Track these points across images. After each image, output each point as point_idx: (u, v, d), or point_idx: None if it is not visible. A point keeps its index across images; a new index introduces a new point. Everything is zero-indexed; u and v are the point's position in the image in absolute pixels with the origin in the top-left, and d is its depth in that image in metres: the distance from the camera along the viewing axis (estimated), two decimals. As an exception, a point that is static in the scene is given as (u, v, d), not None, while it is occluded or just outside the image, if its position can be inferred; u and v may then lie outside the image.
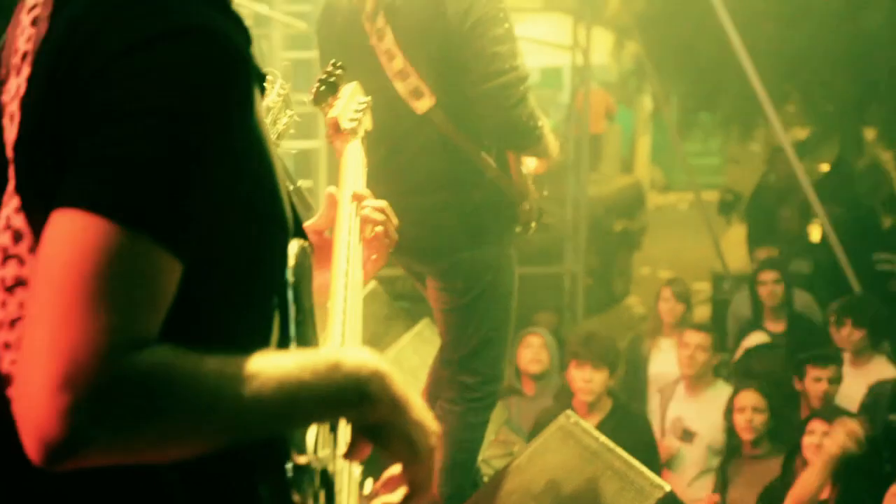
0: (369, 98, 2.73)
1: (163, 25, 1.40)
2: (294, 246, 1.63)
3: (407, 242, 4.21)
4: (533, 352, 6.78)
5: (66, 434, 1.27)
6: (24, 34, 1.51)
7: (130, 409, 1.30)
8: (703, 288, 11.35)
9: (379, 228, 2.29)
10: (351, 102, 2.60)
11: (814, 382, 6.07)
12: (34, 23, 1.50)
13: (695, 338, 6.67)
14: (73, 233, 1.33)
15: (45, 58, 1.44)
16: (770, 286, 7.72)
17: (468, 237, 4.06)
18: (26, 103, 1.45)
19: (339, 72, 2.61)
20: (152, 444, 1.34)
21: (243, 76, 1.45)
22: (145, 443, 1.33)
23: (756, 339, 7.40)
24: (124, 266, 1.33)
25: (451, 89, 3.92)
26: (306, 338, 1.65)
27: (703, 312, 10.64)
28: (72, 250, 1.32)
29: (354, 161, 2.43)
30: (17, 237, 1.46)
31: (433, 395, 4.36)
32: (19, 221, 1.45)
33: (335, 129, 2.52)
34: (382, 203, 2.32)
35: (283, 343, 1.61)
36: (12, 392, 1.34)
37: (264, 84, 1.57)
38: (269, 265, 1.60)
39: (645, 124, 17.89)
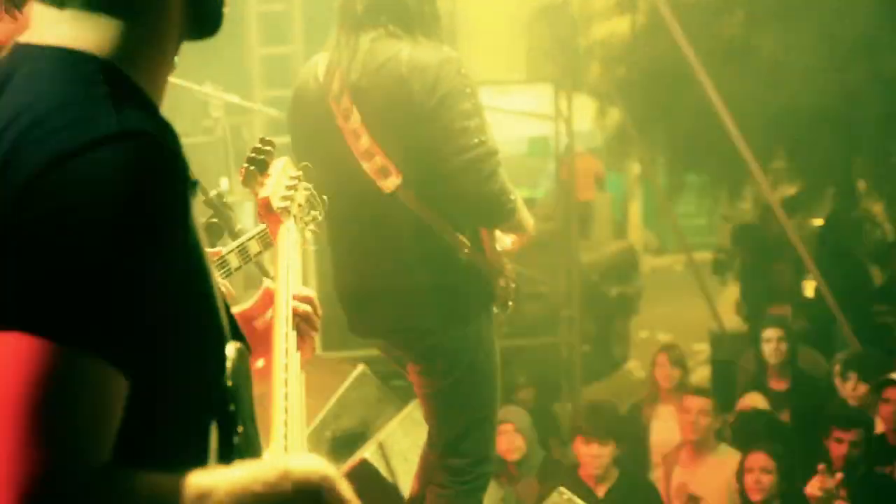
0: (300, 173, 2.64)
1: (87, 135, 1.37)
2: (231, 349, 1.58)
3: (383, 326, 4.20)
4: (507, 440, 6.62)
5: None
6: None
7: None
8: (703, 349, 11.28)
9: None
10: (282, 179, 2.50)
11: (835, 443, 6.06)
12: None
13: (696, 403, 6.64)
14: (13, 357, 1.29)
15: None
16: (774, 343, 7.65)
17: (444, 318, 4.02)
18: None
19: (268, 148, 2.52)
20: None
21: (175, 178, 1.43)
22: None
23: (751, 399, 7.34)
24: (70, 387, 1.30)
25: (420, 167, 3.90)
26: (250, 443, 1.61)
27: (703, 373, 10.57)
28: (15, 374, 1.29)
29: (289, 243, 2.34)
30: None
31: (424, 479, 4.29)
32: None
33: (267, 209, 2.43)
34: (309, 292, 2.24)
35: (226, 453, 1.56)
36: None
37: (196, 187, 1.54)
38: (206, 376, 1.56)
39: (634, 188, 17.92)
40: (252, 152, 2.54)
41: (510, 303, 4.14)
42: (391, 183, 3.90)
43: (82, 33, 1.49)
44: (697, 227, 16.13)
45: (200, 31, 1.64)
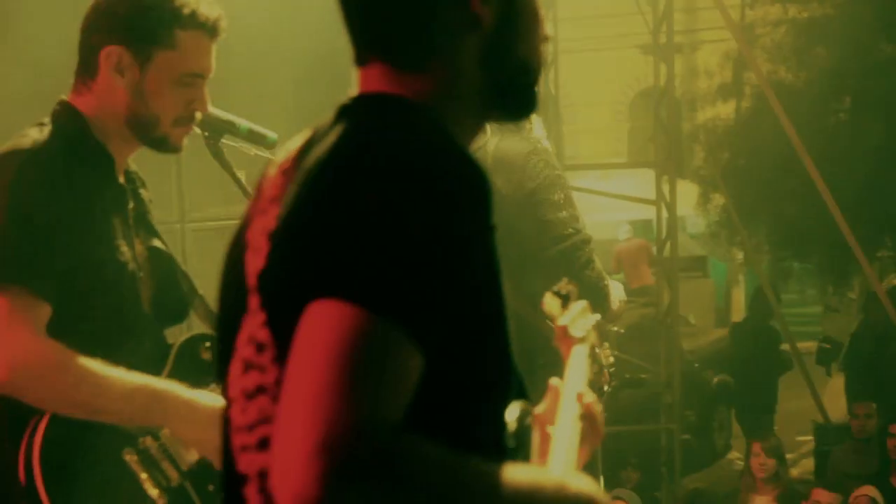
0: (598, 317, 2.87)
1: (420, 140, 1.63)
2: (516, 409, 1.73)
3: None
4: None
5: (322, 495, 1.39)
6: (271, 183, 1.75)
7: (381, 480, 1.42)
8: (807, 440, 11.05)
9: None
10: (580, 317, 2.81)
11: None
12: (283, 173, 1.74)
13: (826, 497, 6.50)
14: (332, 319, 1.48)
15: (295, 191, 1.64)
16: (900, 438, 7.48)
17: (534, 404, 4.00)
18: (275, 234, 1.65)
19: (570, 288, 2.82)
20: None
21: (488, 200, 1.62)
22: None
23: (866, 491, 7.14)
24: (378, 352, 1.47)
25: (506, 256, 3.90)
26: None
27: (807, 465, 10.35)
28: (331, 334, 1.47)
29: (579, 362, 2.64)
30: (260, 348, 1.65)
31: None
32: (263, 335, 1.64)
33: (563, 334, 2.70)
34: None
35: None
36: (272, 460, 1.47)
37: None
38: (493, 384, 1.71)
39: (738, 275, 17.73)
40: (556, 288, 2.84)
41: (605, 388, 4.11)
42: None
43: (392, 84, 1.74)
44: (801, 316, 15.89)
45: (506, 106, 1.86)
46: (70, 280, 2.69)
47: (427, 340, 1.52)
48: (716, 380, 11.58)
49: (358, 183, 1.57)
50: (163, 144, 2.94)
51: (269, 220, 1.69)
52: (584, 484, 1.64)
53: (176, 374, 2.86)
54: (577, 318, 2.82)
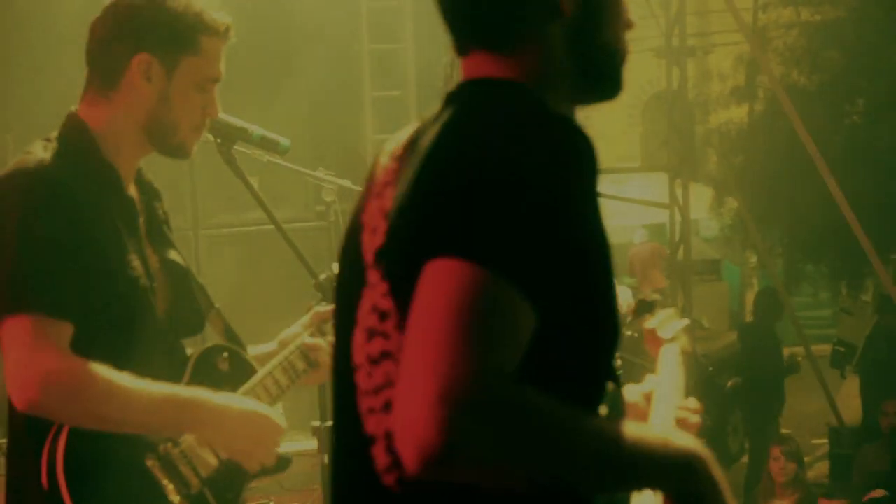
0: (687, 321, 3.06)
1: (526, 111, 1.75)
2: (610, 385, 1.79)
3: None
4: None
5: (444, 442, 1.47)
6: (384, 170, 1.87)
7: (499, 427, 1.50)
8: (821, 443, 11.02)
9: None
10: (667, 321, 3.00)
11: None
12: (396, 159, 1.86)
13: None
14: (449, 276, 1.57)
15: (411, 169, 1.75)
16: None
17: None
18: (393, 212, 1.76)
19: (656, 296, 3.00)
20: (508, 464, 1.53)
21: (594, 165, 1.70)
22: (503, 461, 1.52)
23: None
24: (492, 306, 1.56)
25: None
26: None
27: (822, 469, 10.32)
28: (448, 290, 1.56)
29: (671, 360, 2.81)
30: (384, 317, 1.75)
31: None
32: (386, 304, 1.74)
33: (652, 336, 2.90)
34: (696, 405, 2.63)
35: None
36: (394, 411, 1.55)
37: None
38: (598, 349, 1.78)
39: (751, 279, 17.68)
40: (642, 296, 3.05)
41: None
42: None
43: (493, 69, 1.86)
44: (815, 319, 15.84)
45: (593, 89, 1.95)
46: (83, 298, 2.70)
47: (539, 300, 1.59)
48: (729, 383, 11.54)
49: (471, 150, 1.68)
50: (179, 151, 2.94)
51: (385, 202, 1.81)
52: (689, 440, 1.69)
53: (193, 385, 2.88)
54: (664, 322, 3.01)
